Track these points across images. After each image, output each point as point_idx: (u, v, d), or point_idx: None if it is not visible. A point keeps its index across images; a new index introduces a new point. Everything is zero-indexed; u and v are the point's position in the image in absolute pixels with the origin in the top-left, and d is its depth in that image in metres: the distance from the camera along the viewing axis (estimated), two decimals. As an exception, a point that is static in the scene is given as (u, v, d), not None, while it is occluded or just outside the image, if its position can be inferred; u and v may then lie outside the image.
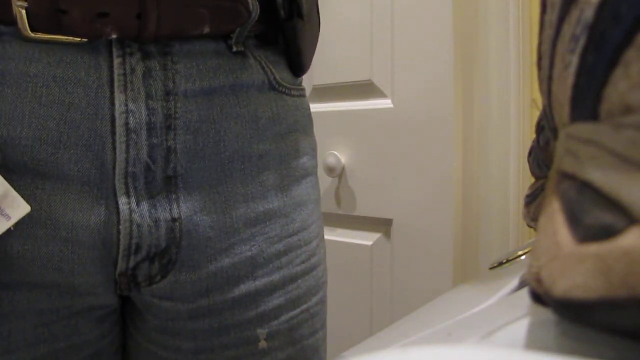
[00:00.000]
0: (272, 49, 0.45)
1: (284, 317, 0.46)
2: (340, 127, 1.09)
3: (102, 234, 0.39)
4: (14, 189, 0.36)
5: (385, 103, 1.03)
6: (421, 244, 1.00)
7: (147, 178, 0.39)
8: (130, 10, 0.36)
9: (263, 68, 0.43)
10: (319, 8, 0.49)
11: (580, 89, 0.17)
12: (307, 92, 0.51)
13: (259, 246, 0.44)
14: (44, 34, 0.35)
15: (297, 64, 0.47)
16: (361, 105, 1.07)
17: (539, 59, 0.21)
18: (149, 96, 0.38)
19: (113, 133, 0.38)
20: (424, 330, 0.28)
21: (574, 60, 0.17)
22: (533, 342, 0.19)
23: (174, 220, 0.40)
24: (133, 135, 0.38)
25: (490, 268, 0.45)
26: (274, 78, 0.44)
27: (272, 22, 0.44)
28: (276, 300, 0.45)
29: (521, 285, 0.36)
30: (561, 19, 0.18)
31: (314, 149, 0.51)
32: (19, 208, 0.35)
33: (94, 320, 0.43)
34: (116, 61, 0.37)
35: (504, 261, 0.45)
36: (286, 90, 0.45)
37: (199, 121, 0.40)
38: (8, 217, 0.35)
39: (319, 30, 0.50)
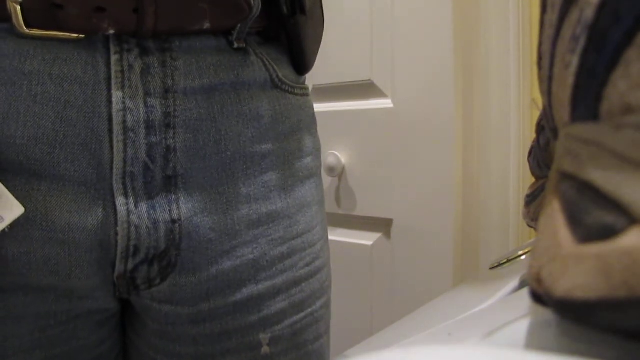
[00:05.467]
0: (274, 47, 0.44)
1: (287, 322, 0.44)
2: (340, 127, 1.09)
3: (100, 235, 0.37)
4: (9, 189, 0.35)
5: (385, 103, 1.03)
6: (421, 244, 1.00)
7: (146, 178, 0.38)
8: (127, 4, 0.35)
9: (265, 65, 0.42)
10: (322, 5, 0.48)
11: (580, 89, 0.17)
12: (307, 92, 0.50)
13: (262, 249, 0.43)
14: (40, 30, 0.34)
15: (301, 62, 0.46)
16: (361, 105, 1.07)
17: (539, 59, 0.21)
18: (147, 93, 0.37)
19: (110, 132, 0.36)
20: (424, 330, 0.28)
21: (575, 60, 0.17)
22: (533, 342, 0.19)
23: (173, 221, 0.39)
24: (131, 134, 0.37)
25: (491, 268, 0.45)
26: (277, 76, 0.43)
27: (275, 18, 0.43)
28: (279, 304, 0.44)
29: (521, 285, 0.36)
30: (561, 19, 0.18)
31: (317, 150, 0.49)
32: (13, 209, 0.34)
33: (93, 325, 0.42)
34: (113, 58, 0.36)
35: (504, 261, 0.45)
36: (289, 89, 0.44)
37: (199, 119, 0.39)
38: (1, 219, 0.34)
39: (323, 28, 0.49)
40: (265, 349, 0.43)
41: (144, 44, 0.37)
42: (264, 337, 0.43)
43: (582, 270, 0.14)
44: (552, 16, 0.19)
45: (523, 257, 0.44)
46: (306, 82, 0.49)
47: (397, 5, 1.00)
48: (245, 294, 0.42)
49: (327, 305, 0.49)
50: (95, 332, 0.42)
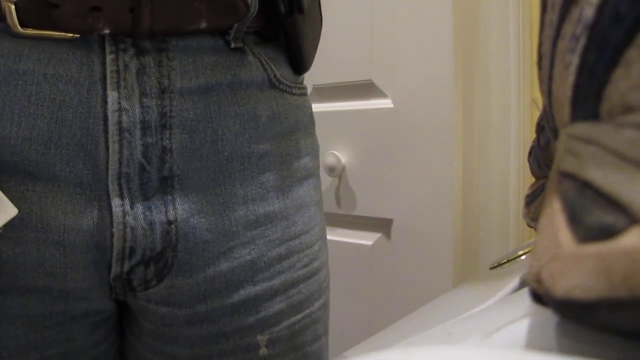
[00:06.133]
0: (272, 46, 0.44)
1: (285, 323, 0.44)
2: (340, 127, 1.09)
3: (95, 237, 0.37)
4: (3, 190, 0.34)
5: (385, 103, 1.03)
6: (421, 244, 1.00)
7: (141, 179, 0.38)
8: (123, 4, 0.35)
9: (263, 65, 0.42)
10: (320, 4, 0.48)
11: (580, 88, 0.17)
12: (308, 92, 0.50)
13: (259, 250, 0.42)
14: (34, 29, 0.34)
15: (298, 62, 0.45)
16: (361, 105, 1.07)
17: (540, 59, 0.21)
18: (143, 94, 0.37)
19: (106, 132, 0.36)
20: (424, 330, 0.28)
21: (575, 60, 0.17)
22: (533, 342, 0.19)
23: (169, 222, 0.39)
24: (126, 135, 0.36)
25: (491, 268, 0.45)
26: (274, 76, 0.43)
27: (272, 17, 0.42)
28: (277, 305, 0.44)
29: (521, 285, 0.36)
30: (562, 19, 0.18)
31: (316, 150, 0.49)
32: (7, 210, 0.34)
33: (89, 326, 0.42)
34: (109, 57, 0.36)
35: (504, 261, 0.45)
36: (287, 89, 0.44)
37: (195, 120, 0.39)
38: None
39: (321, 27, 0.49)
40: (263, 351, 0.43)
41: (140, 43, 0.37)
42: (262, 338, 0.43)
43: (582, 270, 0.14)
44: (552, 16, 0.19)
45: (523, 257, 0.44)
46: (306, 82, 0.49)
47: (397, 5, 1.00)
48: (242, 295, 0.42)
49: (325, 306, 0.49)
50: (92, 334, 0.42)
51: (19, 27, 0.34)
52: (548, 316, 0.19)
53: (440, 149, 0.96)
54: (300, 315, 0.45)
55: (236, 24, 0.39)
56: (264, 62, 0.42)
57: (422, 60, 0.98)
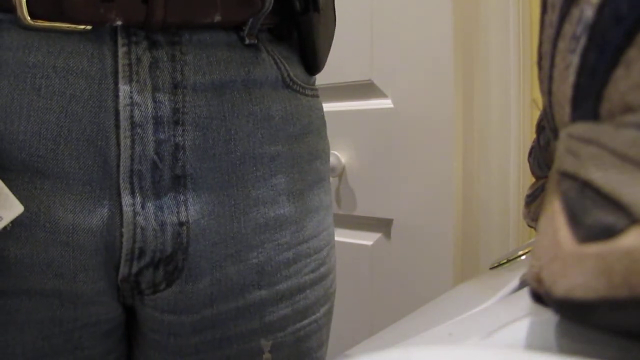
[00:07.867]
0: (286, 45, 0.43)
1: (290, 329, 0.43)
2: (340, 127, 1.09)
3: (105, 237, 0.36)
4: (10, 188, 0.33)
5: (385, 103, 1.03)
6: (421, 244, 1.00)
7: (154, 177, 0.36)
8: None
9: (277, 64, 0.41)
10: (334, 4, 0.46)
11: (581, 88, 0.17)
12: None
13: (267, 253, 0.41)
14: (45, 21, 0.33)
15: (312, 62, 0.45)
16: (361, 105, 1.07)
17: (540, 59, 0.21)
18: (155, 88, 0.36)
19: (117, 127, 0.35)
20: (424, 330, 0.28)
21: (575, 60, 0.17)
22: (533, 342, 0.19)
23: (181, 224, 0.38)
24: (138, 130, 0.35)
25: (491, 268, 0.45)
26: (288, 75, 0.42)
27: (287, 15, 0.42)
28: (282, 310, 0.43)
29: (521, 285, 0.36)
30: (562, 19, 0.18)
31: (327, 153, 0.48)
32: (12, 208, 0.33)
33: (99, 335, 0.41)
34: (121, 50, 0.35)
35: (504, 261, 0.45)
36: (300, 89, 0.43)
37: (208, 117, 0.38)
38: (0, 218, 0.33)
39: (335, 27, 0.48)
40: (267, 356, 0.42)
41: (153, 36, 0.36)
42: (266, 343, 0.42)
43: (583, 270, 0.14)
44: (552, 16, 0.19)
45: (523, 257, 0.44)
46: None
47: (397, 5, 1.00)
48: (247, 300, 0.41)
49: (330, 313, 0.48)
50: (101, 343, 0.41)
51: (29, 19, 0.33)
52: (548, 316, 0.19)
53: (440, 149, 0.96)
54: (305, 321, 0.44)
55: (251, 19, 0.38)
56: (278, 61, 0.41)
57: (422, 60, 0.98)
